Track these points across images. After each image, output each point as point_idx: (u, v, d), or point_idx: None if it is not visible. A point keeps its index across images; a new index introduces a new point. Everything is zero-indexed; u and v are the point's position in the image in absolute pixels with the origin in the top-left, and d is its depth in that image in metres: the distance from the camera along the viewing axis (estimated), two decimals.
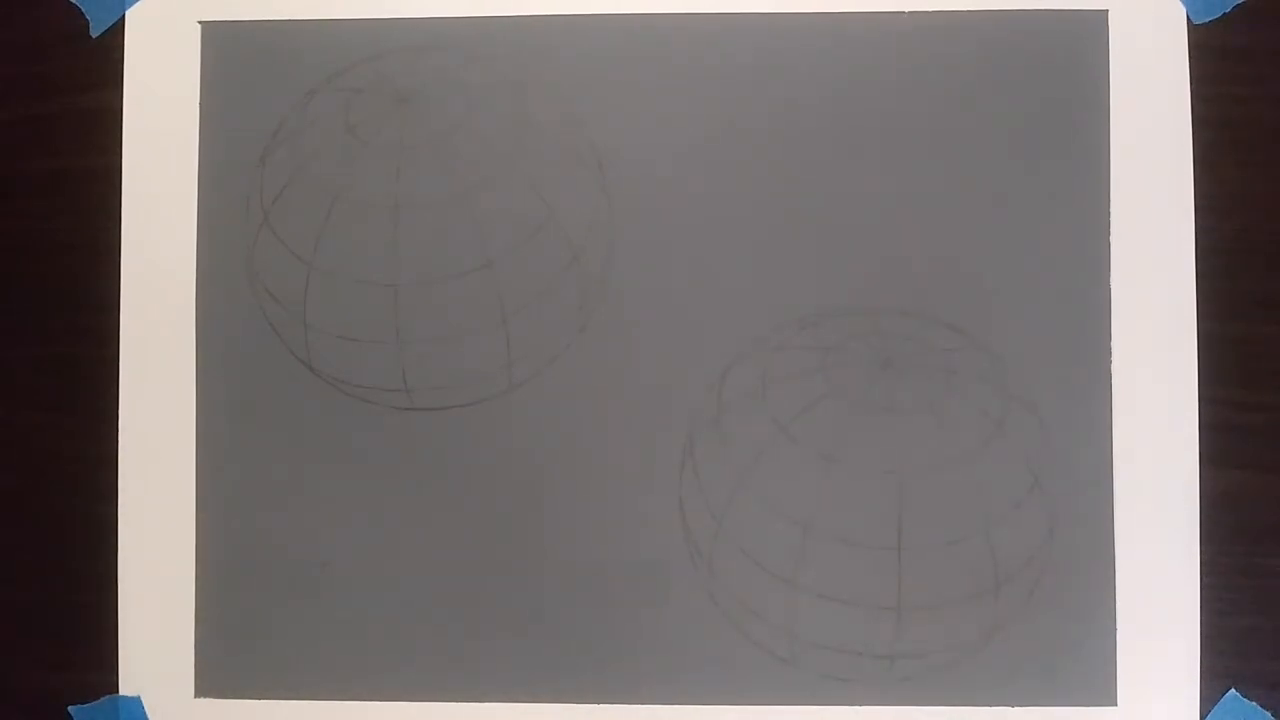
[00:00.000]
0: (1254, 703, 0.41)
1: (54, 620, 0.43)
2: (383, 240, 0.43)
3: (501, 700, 0.42)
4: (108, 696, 0.43)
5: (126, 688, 0.43)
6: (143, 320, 0.43)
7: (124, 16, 0.44)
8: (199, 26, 0.44)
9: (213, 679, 0.43)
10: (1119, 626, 0.41)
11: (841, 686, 0.42)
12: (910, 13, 0.43)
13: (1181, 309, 0.42)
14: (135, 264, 0.43)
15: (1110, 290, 0.42)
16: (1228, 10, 0.42)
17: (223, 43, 0.43)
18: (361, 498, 0.43)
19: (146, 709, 0.43)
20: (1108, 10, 0.42)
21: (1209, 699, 0.41)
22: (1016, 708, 0.42)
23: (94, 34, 0.44)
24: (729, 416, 0.42)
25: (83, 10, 0.44)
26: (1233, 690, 0.42)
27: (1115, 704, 0.42)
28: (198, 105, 0.43)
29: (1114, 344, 0.42)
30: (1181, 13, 0.42)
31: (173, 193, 0.43)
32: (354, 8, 0.43)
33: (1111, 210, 0.42)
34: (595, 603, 0.42)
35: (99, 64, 0.44)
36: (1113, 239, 0.42)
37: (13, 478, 0.44)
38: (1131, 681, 0.41)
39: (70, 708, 0.43)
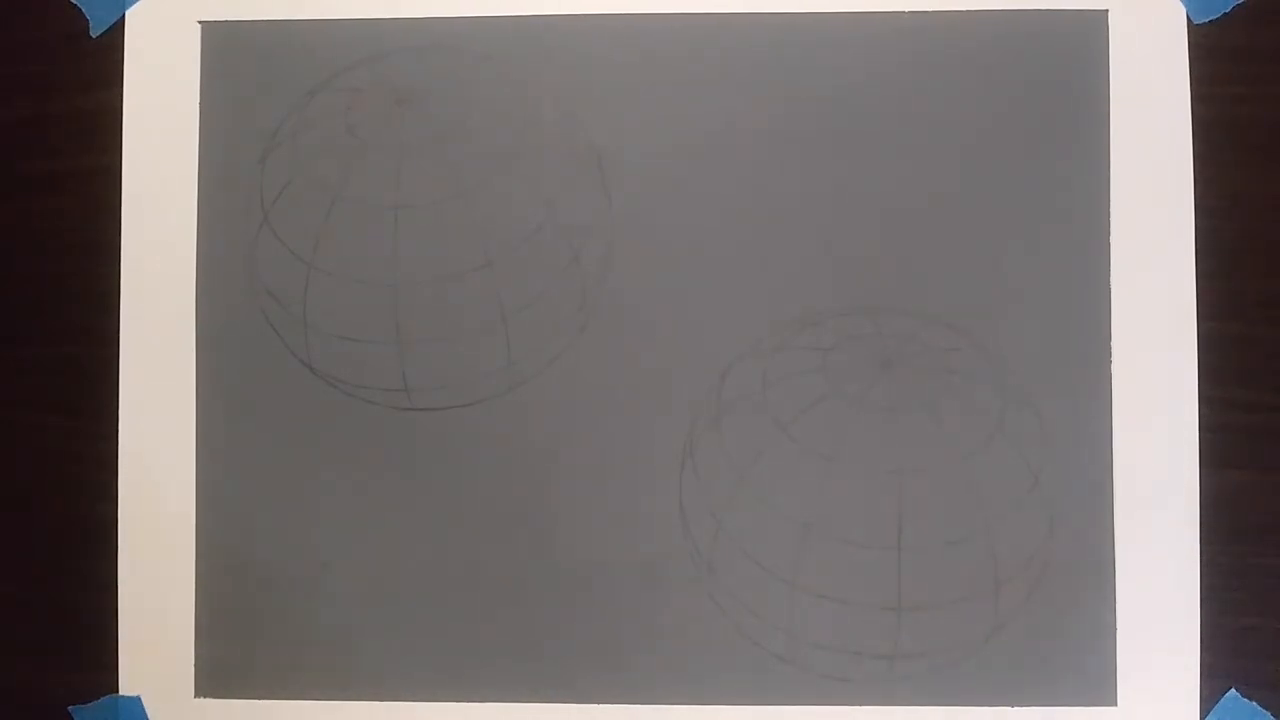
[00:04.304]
0: (1254, 703, 0.41)
1: (54, 620, 0.43)
2: (383, 240, 0.43)
3: (501, 700, 0.42)
4: (108, 696, 0.43)
5: (126, 688, 0.43)
6: (143, 320, 0.43)
7: (124, 16, 0.44)
8: (199, 26, 0.44)
9: (213, 679, 0.43)
10: (1119, 626, 0.41)
11: (841, 686, 0.42)
12: (910, 13, 0.43)
13: (1181, 309, 0.42)
14: (135, 264, 0.43)
15: (1110, 290, 0.42)
16: (1228, 10, 0.42)
17: (223, 43, 0.43)
18: (361, 498, 0.43)
19: (146, 709, 0.43)
20: (1108, 10, 0.42)
21: (1209, 699, 0.41)
22: (1016, 708, 0.42)
23: (94, 34, 0.44)
24: (729, 416, 0.42)
25: (83, 10, 0.44)
26: (1233, 690, 0.42)
27: (1115, 704, 0.41)
28: (198, 105, 0.43)
29: (1114, 344, 0.42)
30: (1181, 13, 0.42)
31: (173, 192, 0.43)
32: (354, 8, 0.43)
33: (1111, 210, 0.42)
34: (595, 602, 0.42)
35: (99, 64, 0.44)
36: (1113, 239, 0.42)
37: (13, 478, 0.44)
38: (1131, 681, 0.41)
39: (70, 708, 0.43)
